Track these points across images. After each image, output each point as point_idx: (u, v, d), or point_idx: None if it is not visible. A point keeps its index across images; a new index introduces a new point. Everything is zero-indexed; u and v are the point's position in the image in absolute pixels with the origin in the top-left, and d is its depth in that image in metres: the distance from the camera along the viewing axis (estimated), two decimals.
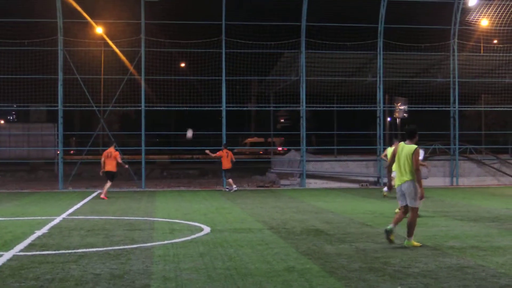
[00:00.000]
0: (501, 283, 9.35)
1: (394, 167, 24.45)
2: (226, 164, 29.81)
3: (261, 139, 64.00)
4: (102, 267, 10.66)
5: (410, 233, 12.92)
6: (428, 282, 9.46)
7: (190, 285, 9.26)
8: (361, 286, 9.15)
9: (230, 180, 30.04)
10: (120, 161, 25.69)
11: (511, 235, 14.54)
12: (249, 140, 63.34)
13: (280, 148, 50.31)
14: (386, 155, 25.76)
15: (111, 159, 25.53)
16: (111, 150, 25.71)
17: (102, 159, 25.67)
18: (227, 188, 30.09)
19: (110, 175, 25.60)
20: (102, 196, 25.53)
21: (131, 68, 32.34)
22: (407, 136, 13.41)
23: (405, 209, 13.21)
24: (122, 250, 12.42)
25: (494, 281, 9.53)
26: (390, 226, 12.98)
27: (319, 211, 20.33)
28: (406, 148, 13.24)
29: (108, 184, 25.66)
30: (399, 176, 13.27)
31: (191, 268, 10.56)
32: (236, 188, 29.76)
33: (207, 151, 29.98)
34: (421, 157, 19.17)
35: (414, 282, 9.46)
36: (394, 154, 13.39)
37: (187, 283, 9.40)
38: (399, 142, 22.00)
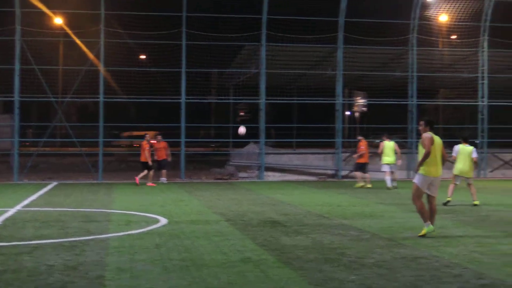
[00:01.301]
0: (454, 273, 9.46)
1: (387, 159, 25.07)
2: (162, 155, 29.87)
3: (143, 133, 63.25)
4: (56, 258, 10.55)
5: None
6: (383, 272, 9.53)
7: (145, 276, 9.21)
8: (316, 277, 9.18)
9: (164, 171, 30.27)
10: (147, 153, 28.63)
11: (465, 226, 14.74)
12: (126, 133, 62.69)
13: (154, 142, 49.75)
14: (382, 150, 26.76)
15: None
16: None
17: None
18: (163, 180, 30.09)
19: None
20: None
21: (92, 57, 31.96)
22: (432, 127, 13.58)
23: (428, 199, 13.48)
24: (76, 241, 12.31)
25: (447, 271, 9.63)
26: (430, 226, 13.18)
27: (276, 203, 20.37)
28: (438, 139, 13.46)
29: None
30: (438, 167, 13.37)
31: (146, 259, 10.50)
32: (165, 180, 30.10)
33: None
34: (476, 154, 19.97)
35: (368, 272, 9.52)
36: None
37: (142, 274, 9.35)
38: (388, 137, 22.81)
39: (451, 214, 17.27)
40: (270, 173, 33.73)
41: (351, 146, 39.51)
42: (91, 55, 32.07)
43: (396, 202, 20.70)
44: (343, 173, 34.22)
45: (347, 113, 51.62)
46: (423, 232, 13.07)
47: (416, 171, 13.58)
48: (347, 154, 35.41)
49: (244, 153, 38.10)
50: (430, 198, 13.44)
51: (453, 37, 36.31)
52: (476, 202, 19.70)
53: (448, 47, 36.17)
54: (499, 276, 9.25)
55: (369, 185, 27.66)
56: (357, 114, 53.14)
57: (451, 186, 20.14)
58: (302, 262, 10.26)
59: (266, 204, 19.86)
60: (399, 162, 27.47)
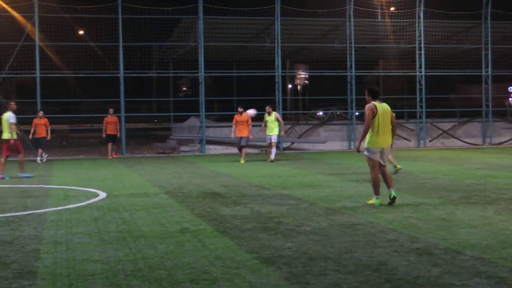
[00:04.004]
0: (388, 238, 9.61)
1: (268, 132, 24.76)
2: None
3: None
4: None
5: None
6: (319, 239, 9.63)
7: (81, 248, 9.16)
8: (252, 245, 9.24)
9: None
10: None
11: (401, 194, 14.90)
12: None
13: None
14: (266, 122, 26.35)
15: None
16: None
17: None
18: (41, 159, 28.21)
19: None
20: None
21: (29, 28, 31.34)
22: (378, 96, 13.27)
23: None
24: (13, 217, 12.16)
25: (382, 236, 9.78)
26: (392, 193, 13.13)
27: (217, 175, 20.41)
28: (384, 107, 13.11)
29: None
30: (386, 137, 13.12)
31: (84, 232, 10.44)
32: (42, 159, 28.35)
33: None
34: None
35: (305, 239, 9.62)
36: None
37: (78, 246, 9.30)
38: (271, 108, 22.42)
39: None
40: (212, 146, 33.74)
41: (293, 119, 39.77)
42: (29, 26, 31.40)
43: (336, 172, 20.92)
44: (284, 145, 34.39)
45: (289, 86, 51.84)
46: (370, 202, 13.19)
47: (357, 147, 13.45)
48: (288, 126, 35.59)
49: (185, 127, 38.01)
50: (380, 166, 13.28)
51: (392, 9, 36.64)
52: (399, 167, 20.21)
53: (385, 18, 36.48)
54: (433, 240, 9.42)
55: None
56: (299, 87, 53.35)
57: None
58: (239, 231, 10.32)
59: (207, 177, 19.88)
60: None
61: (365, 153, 13.31)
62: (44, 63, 31.73)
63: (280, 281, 7.34)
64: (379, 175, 13.31)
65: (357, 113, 35.81)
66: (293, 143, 35.05)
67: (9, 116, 20.45)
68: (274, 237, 9.79)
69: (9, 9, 31.70)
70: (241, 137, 26.41)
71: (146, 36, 32.86)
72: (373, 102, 13.07)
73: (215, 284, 7.23)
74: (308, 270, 7.76)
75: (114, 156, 29.88)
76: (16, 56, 31.47)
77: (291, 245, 9.20)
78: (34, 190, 16.92)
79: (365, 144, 13.25)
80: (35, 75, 31.45)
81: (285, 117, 36.79)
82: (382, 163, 13.25)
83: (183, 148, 34.28)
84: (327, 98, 41.73)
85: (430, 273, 7.58)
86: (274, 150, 26.39)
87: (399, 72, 39.83)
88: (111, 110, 30.13)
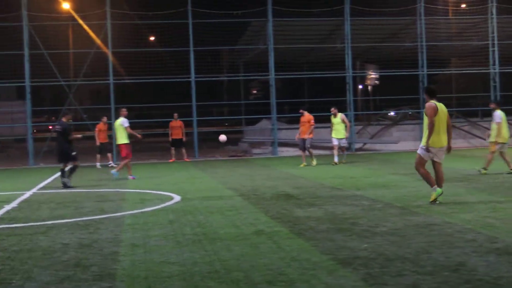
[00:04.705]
0: (466, 238, 9.45)
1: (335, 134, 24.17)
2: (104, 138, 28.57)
3: None
4: (71, 237, 10.64)
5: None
6: (395, 239, 9.54)
7: (158, 250, 9.27)
8: (328, 246, 9.21)
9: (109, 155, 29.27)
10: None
11: (478, 193, 14.70)
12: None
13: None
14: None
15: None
16: None
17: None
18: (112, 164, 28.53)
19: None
20: None
21: (98, 41, 31.98)
22: (435, 95, 13.38)
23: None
24: (91, 220, 12.40)
25: (460, 236, 9.62)
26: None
27: (290, 177, 20.41)
28: (443, 108, 13.24)
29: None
30: (442, 137, 13.21)
31: (160, 234, 10.57)
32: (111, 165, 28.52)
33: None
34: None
35: (381, 240, 9.53)
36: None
37: (155, 248, 9.41)
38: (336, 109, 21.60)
39: (465, 182, 17.23)
40: (284, 149, 33.75)
41: (364, 119, 39.49)
42: (97, 39, 32.03)
43: (409, 172, 20.63)
44: (357, 145, 34.17)
45: (360, 86, 51.56)
46: (432, 197, 13.03)
47: (426, 147, 13.17)
48: (360, 127, 35.36)
49: (257, 130, 38.13)
50: (436, 164, 13.32)
51: (463, 6, 36.09)
52: None
53: (457, 15, 35.94)
54: None
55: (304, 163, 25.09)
56: (369, 87, 53.06)
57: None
58: (314, 233, 10.29)
59: (279, 179, 19.90)
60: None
61: (419, 151, 13.34)
62: (116, 69, 32.28)
63: (357, 282, 7.29)
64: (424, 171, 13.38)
65: None
66: (365, 143, 34.79)
67: (122, 121, 21.75)
68: (349, 238, 9.73)
69: (80, 21, 32.35)
70: (303, 139, 25.06)
71: (216, 40, 33.07)
72: (432, 101, 13.15)
73: (292, 286, 7.23)
74: (385, 271, 7.70)
75: (187, 160, 30.12)
76: (89, 63, 32.09)
77: (366, 246, 9.13)
78: (110, 194, 17.23)
79: (422, 143, 13.26)
80: (108, 82, 31.98)
81: (356, 118, 36.56)
82: (438, 161, 13.32)
83: (255, 150, 34.39)
84: (398, 97, 41.31)
85: (511, 273, 7.43)
86: (344, 154, 26.20)
87: (472, 70, 39.13)
88: (175, 115, 30.41)
